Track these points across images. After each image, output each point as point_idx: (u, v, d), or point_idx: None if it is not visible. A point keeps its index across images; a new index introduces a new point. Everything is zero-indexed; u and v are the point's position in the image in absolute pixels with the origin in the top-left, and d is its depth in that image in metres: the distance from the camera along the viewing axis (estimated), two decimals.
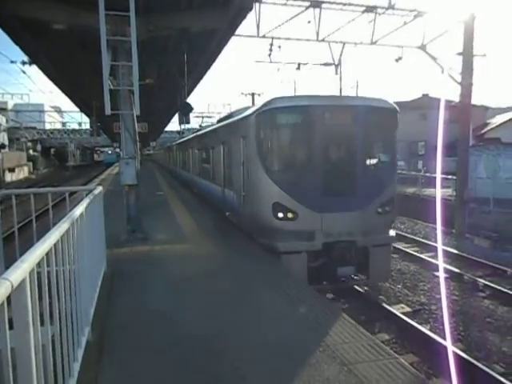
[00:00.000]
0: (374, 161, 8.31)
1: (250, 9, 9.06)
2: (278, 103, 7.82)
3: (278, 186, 7.53)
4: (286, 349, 3.79)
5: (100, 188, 5.75)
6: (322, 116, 7.64)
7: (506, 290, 9.47)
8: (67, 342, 2.70)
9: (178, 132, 39.71)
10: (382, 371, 3.37)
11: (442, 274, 10.11)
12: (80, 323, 3.26)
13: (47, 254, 2.39)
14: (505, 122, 28.51)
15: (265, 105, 7.93)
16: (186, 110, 12.63)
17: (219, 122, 14.39)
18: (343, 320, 4.43)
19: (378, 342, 3.92)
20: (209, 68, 14.51)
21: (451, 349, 6.30)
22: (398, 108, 8.39)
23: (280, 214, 7.48)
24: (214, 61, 13.41)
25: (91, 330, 3.84)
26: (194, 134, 19.57)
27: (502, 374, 6.07)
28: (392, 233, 8.78)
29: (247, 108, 10.10)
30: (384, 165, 8.45)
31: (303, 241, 7.56)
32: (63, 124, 64.45)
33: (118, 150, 38.36)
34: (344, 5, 14.17)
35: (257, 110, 8.10)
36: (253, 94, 33.54)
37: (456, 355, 6.19)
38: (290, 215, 7.47)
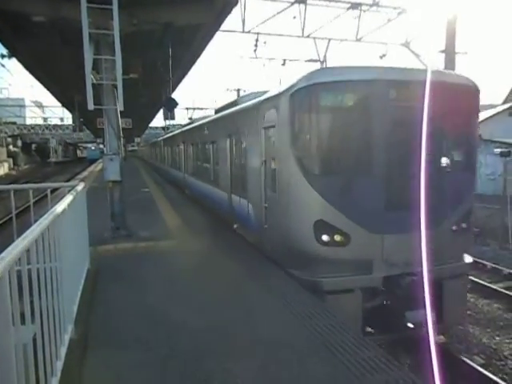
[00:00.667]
0: (449, 160, 6.03)
1: (236, 3, 9.00)
2: (323, 77, 5.60)
3: (323, 196, 5.40)
4: (275, 344, 3.80)
5: (83, 184, 5.65)
6: (384, 95, 5.44)
7: (486, 284, 9.71)
8: (49, 340, 2.65)
9: (163, 128, 39.25)
10: (368, 365, 3.41)
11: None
12: (63, 321, 3.20)
13: (28, 251, 2.33)
14: (486, 119, 29.11)
15: (304, 79, 5.61)
16: (170, 106, 12.51)
17: (220, 110, 11.39)
18: (327, 313, 4.46)
19: (362, 337, 3.97)
20: (194, 63, 14.38)
21: (433, 341, 6.40)
22: (479, 87, 6.18)
23: (325, 237, 5.44)
24: (199, 56, 13.29)
25: (75, 328, 3.78)
26: (188, 127, 16.72)
27: (482, 365, 6.23)
28: (468, 258, 6.41)
29: (264, 92, 7.51)
30: (462, 166, 6.14)
31: (357, 274, 5.51)
32: (45, 119, 63.08)
33: (101, 145, 37.86)
34: (329, 1, 14.22)
35: (291, 87, 5.73)
36: (238, 90, 33.42)
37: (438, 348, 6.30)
38: (338, 238, 5.45)
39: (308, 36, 15.34)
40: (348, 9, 14.53)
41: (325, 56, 17.32)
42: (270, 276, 5.84)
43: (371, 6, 14.56)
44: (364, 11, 14.64)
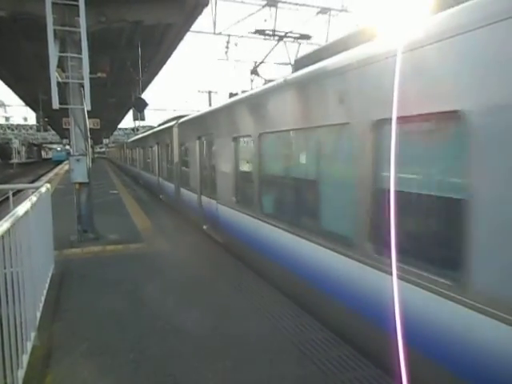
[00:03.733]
0: None
1: (206, 4, 8.98)
2: None
3: None
4: (246, 345, 3.80)
5: (48, 186, 5.48)
6: None
7: None
8: (10, 348, 2.53)
9: (133, 129, 38.45)
10: (338, 363, 3.46)
11: None
12: (25, 328, 3.07)
13: None
14: None
15: None
16: (140, 106, 12.33)
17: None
18: (298, 312, 4.50)
19: (332, 336, 4.02)
20: (164, 63, 14.25)
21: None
22: None
23: None
24: (169, 56, 13.18)
25: (38, 335, 3.64)
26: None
27: None
28: None
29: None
30: None
31: None
32: (6, 118, 60.56)
33: (67, 146, 36.69)
34: (299, 5, 14.41)
35: None
36: (209, 92, 33.29)
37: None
38: None
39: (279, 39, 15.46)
40: (318, 13, 14.78)
41: (295, 59, 17.53)
42: (240, 275, 5.84)
43: (340, 11, 14.86)
44: (333, 16, 14.92)
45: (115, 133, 58.31)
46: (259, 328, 4.16)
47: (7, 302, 2.60)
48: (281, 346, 3.79)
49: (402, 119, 3.04)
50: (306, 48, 16.94)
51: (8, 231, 2.70)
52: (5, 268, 2.61)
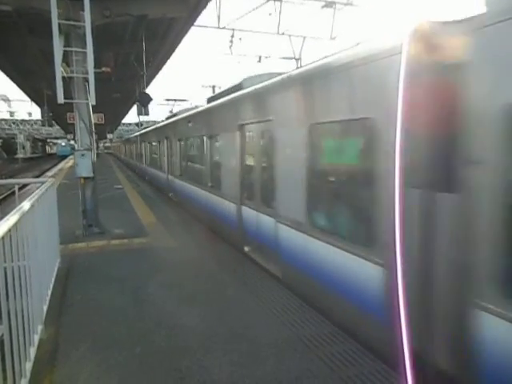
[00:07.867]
0: None
1: None
2: None
3: None
4: (251, 340, 3.81)
5: (53, 180, 5.50)
6: None
7: None
8: (18, 340, 2.55)
9: (137, 124, 38.41)
10: (343, 358, 3.47)
11: None
12: (32, 321, 3.10)
13: None
14: None
15: None
16: (144, 101, 12.30)
17: None
18: (302, 307, 4.51)
19: (337, 330, 4.02)
20: (168, 57, 14.22)
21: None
22: None
23: None
24: (173, 50, 13.15)
25: (45, 328, 3.67)
26: None
27: None
28: None
29: None
30: None
31: None
32: (11, 113, 60.69)
33: (72, 141, 36.78)
34: None
35: None
36: (213, 87, 33.21)
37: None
38: None
39: (283, 33, 15.37)
40: (323, 7, 14.66)
41: (300, 54, 17.42)
42: (244, 271, 5.84)
43: (345, 4, 14.72)
44: (338, 10, 14.79)
45: (119, 128, 58.45)
46: (265, 322, 4.17)
47: (14, 295, 2.62)
48: (286, 340, 3.79)
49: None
50: (310, 43, 16.80)
51: (15, 226, 2.71)
52: (12, 262, 2.63)
